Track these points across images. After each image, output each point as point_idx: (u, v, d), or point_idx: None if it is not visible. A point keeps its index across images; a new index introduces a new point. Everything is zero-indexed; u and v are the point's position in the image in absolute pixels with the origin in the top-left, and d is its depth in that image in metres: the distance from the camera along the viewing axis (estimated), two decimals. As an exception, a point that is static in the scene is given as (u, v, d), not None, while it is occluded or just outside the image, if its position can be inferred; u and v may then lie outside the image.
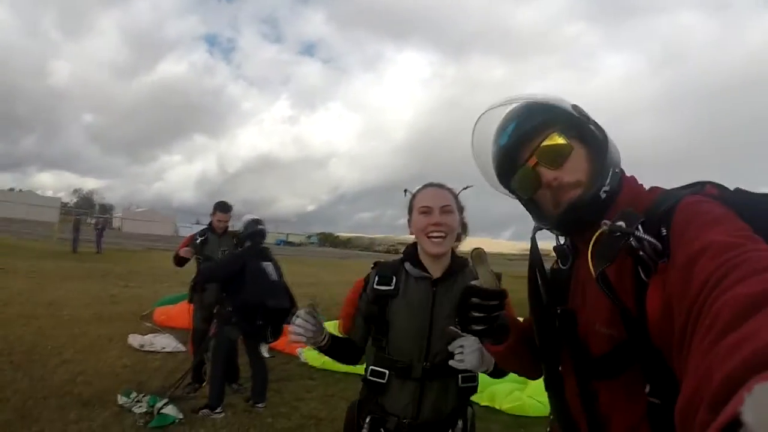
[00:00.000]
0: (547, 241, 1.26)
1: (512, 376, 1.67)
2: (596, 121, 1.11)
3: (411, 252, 1.80)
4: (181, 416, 4.16)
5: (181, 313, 5.74)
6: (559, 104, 1.09)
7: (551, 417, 1.24)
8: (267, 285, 4.47)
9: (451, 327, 1.44)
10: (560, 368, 1.17)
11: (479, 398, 4.75)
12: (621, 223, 0.90)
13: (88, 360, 5.59)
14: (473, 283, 1.21)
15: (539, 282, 1.21)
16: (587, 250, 0.97)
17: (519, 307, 1.39)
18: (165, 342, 6.39)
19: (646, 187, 1.08)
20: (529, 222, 1.20)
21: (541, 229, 1.18)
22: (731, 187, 0.92)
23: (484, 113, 1.17)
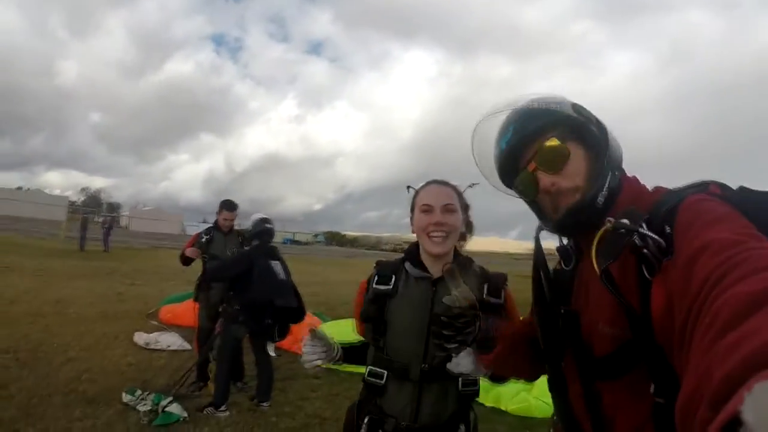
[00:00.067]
0: (552, 241, 1.25)
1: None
2: (599, 119, 1.10)
3: (412, 251, 1.76)
4: (185, 415, 4.15)
5: (187, 311, 5.74)
6: (558, 107, 1.08)
7: (554, 418, 1.23)
8: (275, 284, 4.47)
9: (450, 270, 1.41)
10: (564, 369, 1.16)
11: (485, 399, 4.73)
12: (625, 221, 0.90)
13: (93, 358, 5.60)
14: (444, 299, 1.25)
15: (543, 282, 1.20)
16: (591, 249, 0.96)
17: (525, 306, 1.37)
18: (170, 340, 6.39)
19: (650, 186, 1.08)
20: (536, 221, 1.20)
21: (544, 229, 1.18)
22: (737, 186, 0.91)
23: (481, 120, 1.17)
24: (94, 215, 48.15)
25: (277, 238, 5.05)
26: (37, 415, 3.92)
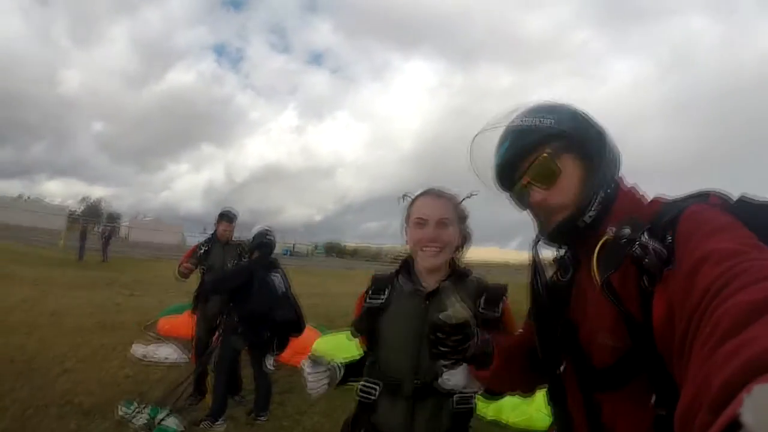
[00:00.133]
0: (550, 252, 1.25)
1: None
2: (600, 130, 1.10)
3: (406, 264, 1.71)
4: (182, 429, 4.11)
5: (185, 322, 5.71)
6: (552, 123, 1.07)
7: (554, 430, 1.22)
8: (274, 296, 4.44)
9: (446, 288, 1.38)
10: (563, 380, 1.15)
11: (485, 412, 4.67)
12: (627, 230, 0.91)
13: (89, 370, 5.55)
14: (439, 316, 1.24)
15: (541, 293, 1.20)
16: (589, 260, 0.98)
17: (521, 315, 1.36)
18: (168, 352, 6.33)
19: (650, 195, 1.09)
20: (535, 232, 1.20)
21: (541, 240, 1.18)
22: (739, 193, 0.91)
23: (479, 132, 1.18)
24: (94, 225, 48.16)
25: (277, 250, 5.02)
26: (31, 427, 3.89)
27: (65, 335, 7.06)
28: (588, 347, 1.07)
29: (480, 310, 1.58)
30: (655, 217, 0.93)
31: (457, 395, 1.55)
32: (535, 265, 1.21)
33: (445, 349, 1.23)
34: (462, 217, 1.69)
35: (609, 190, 1.06)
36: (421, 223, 1.60)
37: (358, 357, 1.80)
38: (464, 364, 1.32)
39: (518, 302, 1.71)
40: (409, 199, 1.70)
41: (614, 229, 0.94)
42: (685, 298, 0.70)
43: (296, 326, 4.53)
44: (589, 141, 1.07)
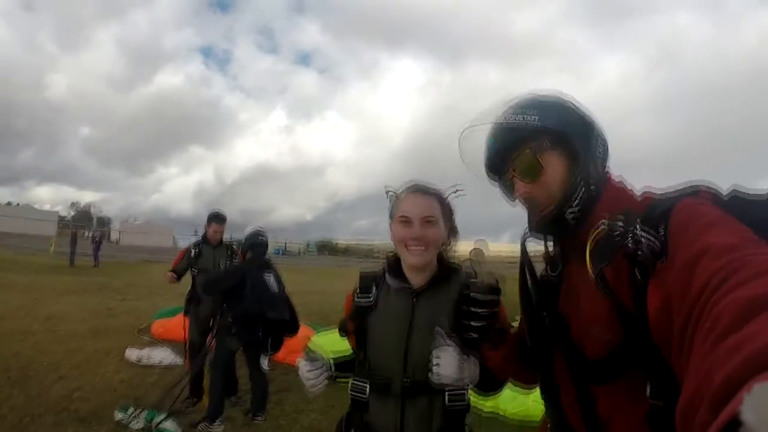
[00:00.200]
0: (539, 246, 1.27)
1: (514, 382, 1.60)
2: (589, 123, 1.12)
3: (392, 262, 1.67)
4: (180, 431, 4.10)
5: (179, 325, 5.68)
6: (537, 119, 1.09)
7: (548, 426, 1.23)
8: (267, 296, 4.44)
9: (439, 328, 1.37)
10: (556, 375, 1.16)
11: (483, 405, 4.69)
12: (619, 223, 0.92)
13: (84, 375, 5.53)
14: (471, 280, 1.23)
15: (530, 287, 1.22)
16: (578, 255, 1.00)
17: (514, 307, 1.36)
18: (163, 355, 6.32)
19: (637, 187, 1.10)
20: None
21: (529, 235, 1.21)
22: (727, 187, 0.91)
23: (466, 128, 1.20)
24: (84, 230, 47.85)
25: (269, 249, 5.01)
26: (28, 436, 3.85)
27: (59, 341, 7.03)
28: (580, 341, 1.08)
29: None
30: (646, 211, 0.93)
31: (448, 392, 1.53)
32: (524, 261, 1.23)
33: (480, 311, 1.22)
34: (449, 213, 1.66)
35: (595, 185, 1.07)
36: (406, 221, 1.56)
37: (350, 353, 1.78)
38: (455, 354, 1.32)
39: (512, 293, 1.71)
40: (393, 195, 1.66)
41: (606, 221, 0.94)
42: (684, 291, 0.69)
43: (291, 326, 4.54)
44: (574, 136, 1.09)
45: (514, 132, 1.11)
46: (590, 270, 0.94)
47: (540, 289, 1.21)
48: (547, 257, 1.25)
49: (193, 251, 5.20)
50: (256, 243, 4.74)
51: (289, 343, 4.74)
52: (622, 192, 1.10)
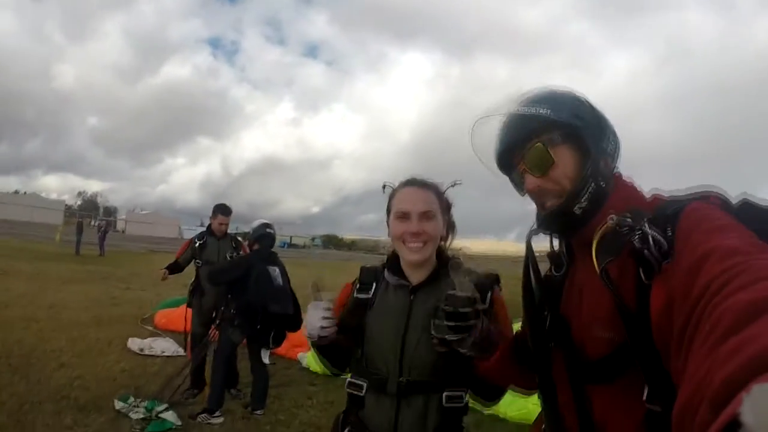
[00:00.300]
0: (545, 244, 1.27)
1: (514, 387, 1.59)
2: (602, 122, 1.11)
3: (392, 258, 1.64)
4: (179, 423, 4.10)
5: (182, 316, 5.70)
6: (550, 112, 1.08)
7: (543, 427, 1.22)
8: (271, 289, 4.43)
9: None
10: (553, 375, 1.16)
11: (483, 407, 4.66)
12: (628, 219, 0.93)
13: (86, 364, 5.54)
14: (448, 292, 1.23)
15: (533, 286, 1.22)
16: (584, 254, 1.00)
17: (517, 308, 1.34)
18: (165, 345, 6.34)
19: (645, 187, 1.10)
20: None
21: (536, 232, 1.20)
22: (738, 188, 0.91)
23: (479, 119, 1.19)
24: (90, 219, 48.10)
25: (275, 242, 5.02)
26: (27, 423, 3.87)
27: (62, 329, 7.05)
28: (581, 342, 1.08)
29: None
30: (655, 211, 0.94)
31: (446, 393, 1.50)
32: (529, 259, 1.22)
33: (454, 324, 1.21)
34: (446, 206, 1.63)
35: (605, 182, 1.07)
36: (404, 217, 1.53)
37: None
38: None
39: (515, 294, 1.68)
40: (391, 189, 1.63)
41: (615, 217, 0.94)
42: (686, 293, 0.69)
43: (294, 320, 4.51)
44: (586, 131, 1.08)
45: (526, 124, 1.10)
46: (595, 263, 0.94)
47: (543, 288, 1.21)
48: (552, 255, 1.25)
49: (197, 242, 5.19)
50: (264, 235, 4.74)
51: (292, 338, 4.73)
52: (631, 191, 1.10)
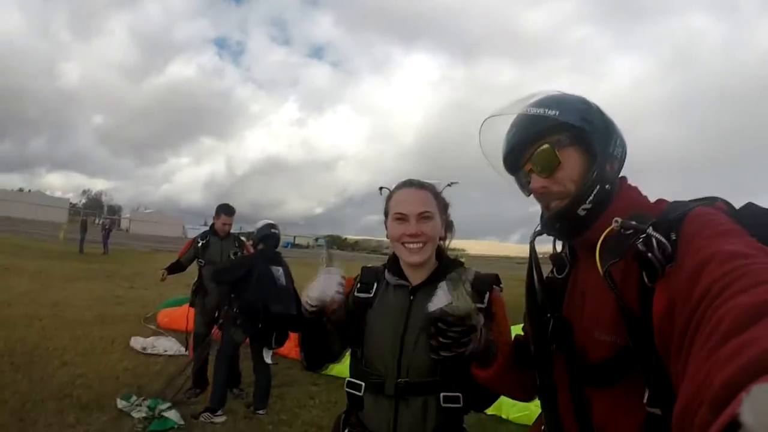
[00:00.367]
0: (548, 246, 1.28)
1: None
2: (609, 126, 1.12)
3: (392, 258, 1.64)
4: (182, 422, 4.10)
5: (185, 315, 5.71)
6: (558, 114, 1.09)
7: (543, 428, 1.22)
8: (273, 289, 4.43)
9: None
10: (554, 378, 1.16)
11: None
12: (632, 222, 0.92)
13: (88, 362, 5.55)
14: (442, 307, 1.20)
15: (536, 288, 1.22)
16: (587, 257, 1.01)
17: (519, 309, 1.33)
18: (167, 345, 6.35)
19: (649, 192, 1.11)
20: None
21: (540, 234, 1.21)
22: (743, 194, 0.90)
23: (488, 119, 1.20)
24: (94, 218, 48.21)
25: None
26: (30, 421, 3.88)
27: (65, 327, 7.06)
28: (583, 345, 1.08)
29: None
30: (660, 215, 0.94)
31: (443, 394, 1.48)
32: (532, 261, 1.23)
33: (446, 341, 1.19)
34: (444, 206, 1.63)
35: (610, 186, 1.07)
36: (402, 218, 1.52)
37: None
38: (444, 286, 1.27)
39: (516, 295, 1.67)
40: (387, 192, 1.63)
41: (619, 220, 0.94)
42: (687, 296, 0.70)
43: (296, 321, 4.50)
44: (593, 134, 1.09)
45: (534, 125, 1.11)
46: (599, 265, 0.95)
47: (545, 290, 1.21)
48: (555, 257, 1.26)
49: (200, 242, 5.20)
50: (268, 235, 4.75)
51: (294, 338, 4.72)
52: (636, 195, 1.11)
